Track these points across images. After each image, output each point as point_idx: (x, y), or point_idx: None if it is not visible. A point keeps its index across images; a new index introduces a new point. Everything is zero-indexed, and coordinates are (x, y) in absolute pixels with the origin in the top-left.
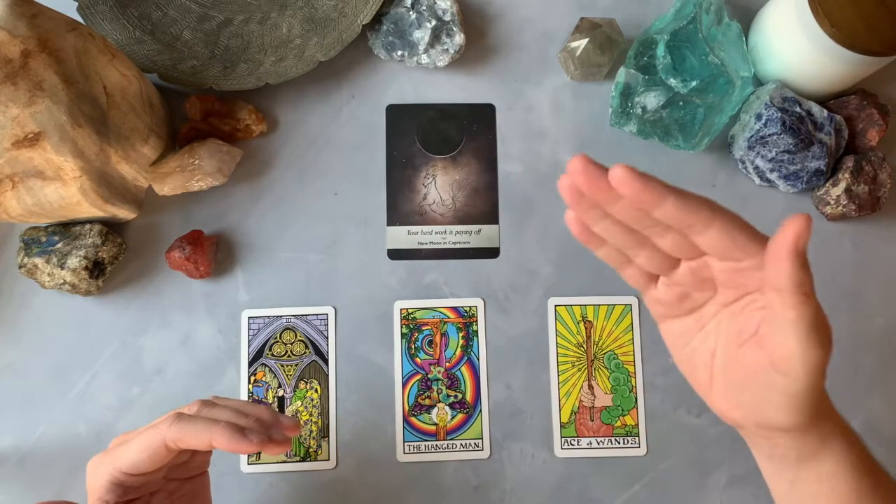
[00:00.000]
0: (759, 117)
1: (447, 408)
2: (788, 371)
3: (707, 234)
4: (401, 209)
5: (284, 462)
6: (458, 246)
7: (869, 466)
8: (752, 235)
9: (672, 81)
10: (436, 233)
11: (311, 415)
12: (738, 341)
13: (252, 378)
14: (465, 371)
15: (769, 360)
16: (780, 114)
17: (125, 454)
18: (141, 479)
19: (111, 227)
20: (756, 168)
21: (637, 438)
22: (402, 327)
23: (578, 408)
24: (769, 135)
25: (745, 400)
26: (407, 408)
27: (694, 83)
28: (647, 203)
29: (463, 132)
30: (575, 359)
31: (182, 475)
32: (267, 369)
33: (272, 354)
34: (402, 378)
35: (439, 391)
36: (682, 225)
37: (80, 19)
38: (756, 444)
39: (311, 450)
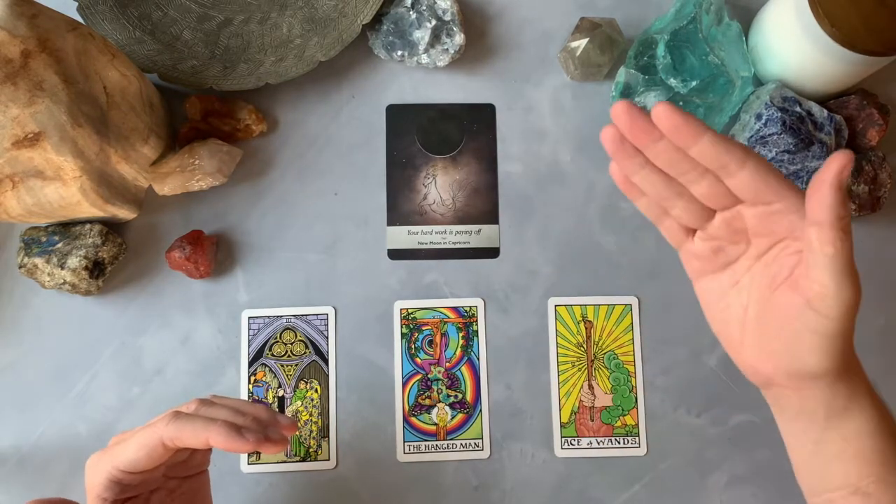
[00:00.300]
0: (759, 117)
1: (447, 408)
2: (823, 308)
3: (740, 175)
4: (401, 209)
5: (284, 462)
6: (458, 246)
7: (893, 429)
8: (782, 179)
9: (672, 81)
10: (436, 233)
11: (311, 415)
12: (772, 287)
13: (252, 378)
14: (465, 371)
15: (804, 300)
16: (780, 114)
17: (123, 452)
18: (139, 478)
19: (111, 227)
20: None
21: (637, 438)
22: (402, 327)
23: (578, 408)
24: (769, 135)
25: (777, 348)
26: (407, 408)
27: (694, 83)
28: (686, 137)
29: (463, 132)
30: (575, 359)
31: (182, 473)
32: (267, 369)
33: (272, 354)
34: (402, 378)
35: (439, 391)
36: (717, 164)
37: (80, 19)
38: (783, 402)
39: (311, 450)
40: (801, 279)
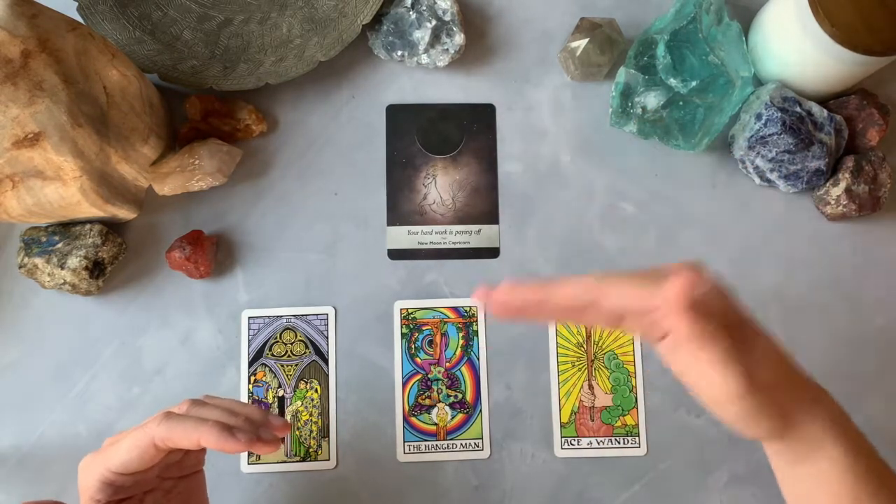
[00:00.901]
0: (759, 117)
1: (447, 408)
2: (718, 406)
3: (605, 304)
4: (401, 209)
5: (284, 462)
6: (458, 246)
7: (871, 468)
8: (646, 290)
9: (672, 81)
10: (436, 233)
11: (311, 415)
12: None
13: (252, 378)
14: (465, 371)
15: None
16: (780, 114)
17: (115, 454)
18: (132, 479)
19: (111, 227)
20: (756, 168)
21: (637, 438)
22: (402, 327)
23: (578, 408)
24: (769, 135)
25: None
26: (407, 408)
27: (694, 83)
28: (539, 302)
29: (463, 132)
30: (575, 359)
31: (176, 473)
32: (267, 369)
33: (272, 354)
34: (403, 378)
35: (439, 391)
36: (584, 303)
37: (80, 19)
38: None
39: (311, 450)
40: (691, 384)
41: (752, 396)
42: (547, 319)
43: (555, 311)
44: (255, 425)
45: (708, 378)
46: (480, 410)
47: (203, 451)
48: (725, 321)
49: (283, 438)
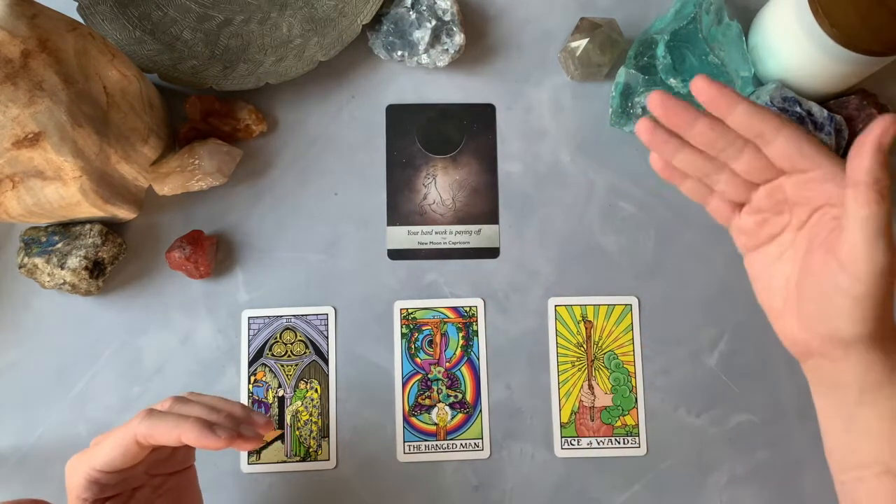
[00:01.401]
0: None
1: (447, 408)
2: (853, 269)
3: (776, 142)
4: (401, 209)
5: (284, 462)
6: (458, 246)
7: None
8: (818, 146)
9: (672, 81)
10: (436, 233)
11: (311, 415)
12: (810, 251)
13: (252, 378)
14: (465, 371)
15: (837, 261)
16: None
17: (100, 452)
18: (117, 476)
19: (111, 227)
20: None
21: (637, 438)
22: (402, 327)
23: (578, 408)
24: None
25: (812, 311)
26: (407, 408)
27: None
28: (722, 107)
29: (463, 132)
30: (575, 359)
31: (166, 470)
32: (267, 369)
33: (272, 354)
34: (402, 378)
35: (439, 391)
36: (753, 133)
37: (80, 19)
38: (820, 374)
39: (311, 450)
40: (836, 241)
41: (884, 279)
42: (701, 142)
43: (720, 140)
44: (237, 422)
45: (855, 240)
46: (480, 410)
47: (191, 447)
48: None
49: (280, 436)
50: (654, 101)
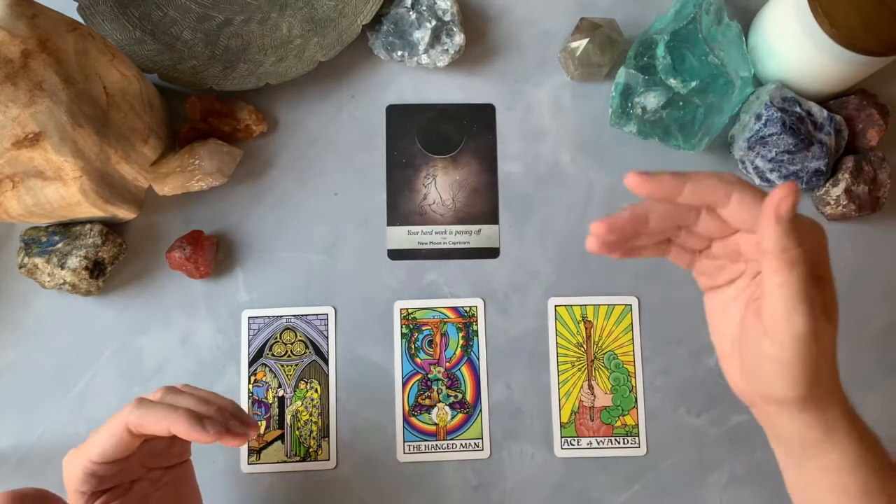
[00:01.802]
0: (758, 117)
1: (447, 408)
2: (774, 337)
3: (728, 207)
4: (401, 209)
5: (284, 462)
6: (458, 246)
7: (881, 465)
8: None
9: (672, 82)
10: (436, 233)
11: (311, 415)
12: (747, 307)
13: (252, 378)
14: (465, 371)
15: (761, 325)
16: (780, 114)
17: (94, 444)
18: (114, 468)
19: (111, 227)
20: (756, 168)
21: (637, 438)
22: (402, 327)
23: (578, 408)
24: (769, 135)
25: (748, 367)
26: (407, 408)
27: (694, 83)
28: (666, 194)
29: (463, 132)
30: (575, 359)
31: (162, 463)
32: (267, 369)
33: (272, 354)
34: (402, 378)
35: (439, 391)
36: (705, 203)
37: (80, 19)
38: (764, 424)
39: (311, 450)
40: (762, 303)
41: (806, 345)
42: (659, 217)
43: (676, 218)
44: (226, 417)
45: (774, 308)
46: (480, 410)
47: (186, 441)
48: (811, 265)
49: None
50: (599, 228)
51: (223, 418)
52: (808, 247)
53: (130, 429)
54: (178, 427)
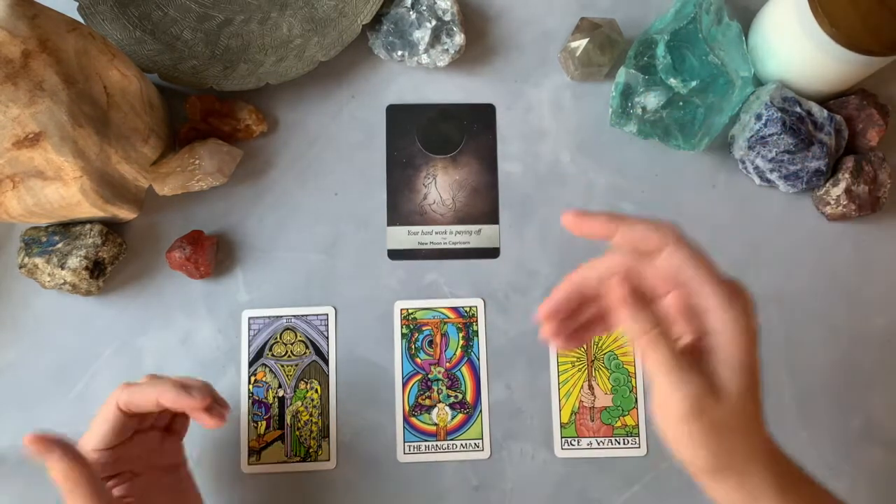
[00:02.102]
0: (759, 117)
1: (447, 408)
2: (660, 411)
3: (658, 259)
4: (401, 209)
5: (284, 462)
6: (458, 246)
7: None
8: (700, 272)
9: (672, 81)
10: (436, 233)
11: (311, 415)
12: None
13: (252, 378)
14: (465, 371)
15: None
16: (780, 114)
17: (92, 433)
18: (113, 455)
19: (111, 227)
20: (756, 168)
21: (637, 439)
22: (402, 327)
23: (578, 408)
24: (769, 135)
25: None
26: (407, 408)
27: (694, 83)
28: (601, 236)
29: (463, 132)
30: (575, 359)
31: (158, 461)
32: (267, 369)
33: (272, 354)
34: (403, 378)
35: (439, 391)
36: (636, 247)
37: (80, 19)
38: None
39: (311, 450)
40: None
41: (686, 424)
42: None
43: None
44: (208, 391)
45: (660, 385)
46: (480, 411)
47: (179, 438)
48: (698, 337)
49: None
50: (544, 311)
51: (206, 391)
52: (697, 325)
53: (121, 406)
54: (167, 396)
